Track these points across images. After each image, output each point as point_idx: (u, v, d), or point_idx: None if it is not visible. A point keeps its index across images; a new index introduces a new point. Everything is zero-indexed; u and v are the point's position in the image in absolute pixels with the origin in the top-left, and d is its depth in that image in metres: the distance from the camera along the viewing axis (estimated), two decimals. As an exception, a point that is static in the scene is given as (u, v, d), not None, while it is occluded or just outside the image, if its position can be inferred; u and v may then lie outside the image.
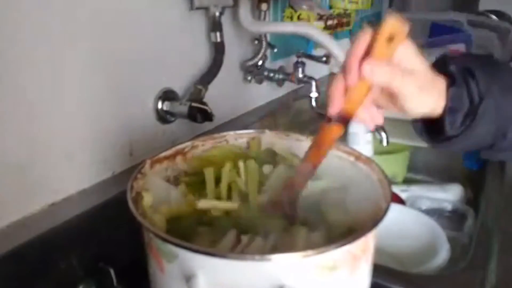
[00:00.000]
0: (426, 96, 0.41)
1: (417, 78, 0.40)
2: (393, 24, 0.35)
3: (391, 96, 0.41)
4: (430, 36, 1.70)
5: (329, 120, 0.40)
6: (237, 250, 0.39)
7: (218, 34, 0.80)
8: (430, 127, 0.47)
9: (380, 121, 0.42)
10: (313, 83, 0.99)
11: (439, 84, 0.42)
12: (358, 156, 0.50)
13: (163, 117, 0.76)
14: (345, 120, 0.39)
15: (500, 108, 0.42)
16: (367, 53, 0.37)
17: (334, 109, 0.39)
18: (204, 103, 0.73)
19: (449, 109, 0.42)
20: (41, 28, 0.54)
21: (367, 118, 0.41)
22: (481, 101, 0.42)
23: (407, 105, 0.41)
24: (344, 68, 0.39)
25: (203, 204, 0.46)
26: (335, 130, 0.40)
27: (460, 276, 0.56)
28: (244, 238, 0.41)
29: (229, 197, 0.49)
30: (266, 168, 0.52)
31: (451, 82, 0.43)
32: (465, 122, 0.43)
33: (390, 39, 0.36)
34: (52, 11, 0.55)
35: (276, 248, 0.39)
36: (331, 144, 0.41)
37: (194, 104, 0.73)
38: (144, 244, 0.40)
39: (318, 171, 0.45)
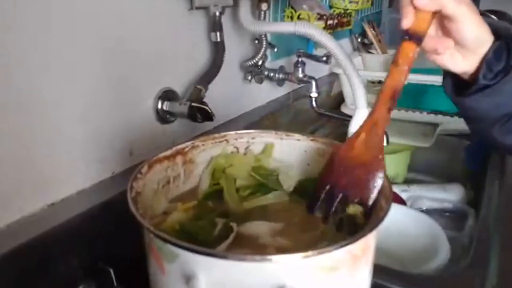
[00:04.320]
0: (480, 21, 0.46)
1: (469, 5, 0.45)
2: None
3: (449, 26, 0.46)
4: (430, 36, 1.69)
5: (405, 37, 0.44)
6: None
7: (218, 34, 0.80)
8: (458, 86, 0.52)
9: (449, 45, 0.48)
10: (314, 83, 0.99)
11: (488, 31, 0.48)
12: (359, 156, 0.49)
13: (163, 117, 0.75)
14: (414, 36, 0.43)
15: None
16: None
17: (406, 22, 0.43)
18: (204, 103, 0.73)
19: (487, 60, 0.48)
20: (41, 29, 0.54)
21: (435, 44, 0.47)
22: None
23: (464, 28, 0.46)
24: None
25: None
26: (406, 46, 0.43)
27: (460, 276, 0.56)
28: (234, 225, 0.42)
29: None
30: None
31: (496, 38, 0.49)
32: (497, 77, 0.49)
33: None
34: (52, 12, 0.55)
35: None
36: (407, 61, 0.43)
37: (194, 104, 0.73)
38: (144, 245, 0.40)
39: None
